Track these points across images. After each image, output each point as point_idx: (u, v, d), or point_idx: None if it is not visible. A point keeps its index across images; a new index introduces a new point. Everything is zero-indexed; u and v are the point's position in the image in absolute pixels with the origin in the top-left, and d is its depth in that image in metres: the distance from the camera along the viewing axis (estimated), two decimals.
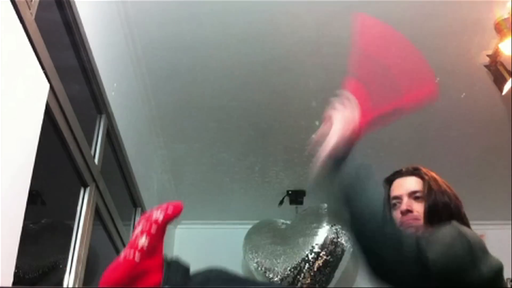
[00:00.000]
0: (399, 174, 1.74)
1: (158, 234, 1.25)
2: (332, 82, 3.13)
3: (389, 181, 1.72)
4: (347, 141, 1.39)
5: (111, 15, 2.50)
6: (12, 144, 1.43)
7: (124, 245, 2.83)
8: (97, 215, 2.37)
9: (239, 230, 4.20)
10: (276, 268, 3.86)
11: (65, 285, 2.01)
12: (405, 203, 1.63)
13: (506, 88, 2.72)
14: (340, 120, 1.46)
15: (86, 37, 2.10)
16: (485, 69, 2.79)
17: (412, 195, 1.67)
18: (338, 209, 1.32)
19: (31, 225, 1.98)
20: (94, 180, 2.28)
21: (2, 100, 1.36)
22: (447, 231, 1.40)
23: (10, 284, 1.41)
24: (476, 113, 3.28)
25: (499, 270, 1.35)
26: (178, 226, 4.54)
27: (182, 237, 4.51)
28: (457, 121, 3.36)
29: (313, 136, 1.42)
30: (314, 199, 4.07)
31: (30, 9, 1.57)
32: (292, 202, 4.17)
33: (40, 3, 1.65)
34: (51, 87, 1.72)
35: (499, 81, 2.74)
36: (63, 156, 2.03)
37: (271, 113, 3.35)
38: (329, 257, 3.77)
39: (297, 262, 3.82)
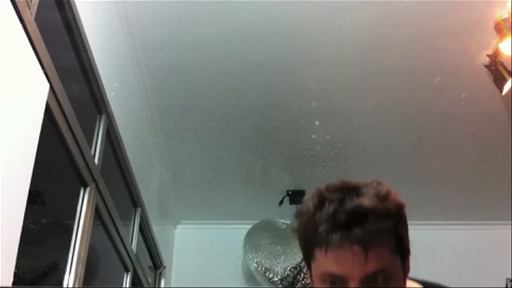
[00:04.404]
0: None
1: None
2: (332, 82, 3.16)
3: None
4: None
5: (111, 15, 2.50)
6: (12, 144, 1.42)
7: (124, 245, 2.83)
8: (97, 215, 2.37)
9: (239, 230, 4.20)
10: (276, 268, 3.86)
11: (65, 285, 2.01)
12: None
13: (506, 88, 2.72)
14: None
15: (86, 37, 2.10)
16: (485, 69, 2.79)
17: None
18: None
19: (31, 225, 1.98)
20: (94, 180, 2.28)
21: (2, 100, 1.36)
22: None
23: (10, 284, 1.41)
24: (476, 113, 3.27)
25: None
26: (178, 226, 4.54)
27: (182, 237, 4.50)
28: (457, 121, 3.36)
29: None
30: None
31: (30, 9, 1.56)
32: (292, 202, 4.17)
33: (40, 3, 1.65)
34: (51, 87, 1.71)
35: (499, 81, 2.74)
36: (63, 156, 2.03)
37: (271, 113, 3.35)
38: None
39: (297, 262, 3.82)
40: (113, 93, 2.49)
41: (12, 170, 1.42)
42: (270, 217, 4.24)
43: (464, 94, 3.12)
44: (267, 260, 3.90)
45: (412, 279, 1.16)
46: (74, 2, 1.96)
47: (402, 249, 1.04)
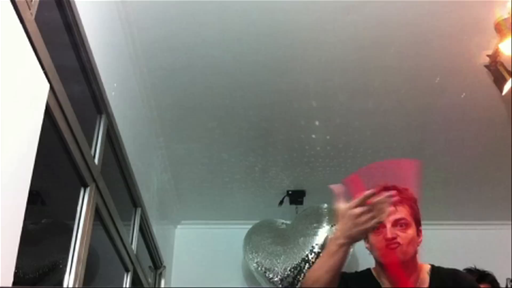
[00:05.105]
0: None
1: None
2: (332, 82, 3.16)
3: None
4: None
5: (111, 15, 2.50)
6: (12, 144, 1.42)
7: (124, 245, 2.83)
8: (97, 215, 2.37)
9: (239, 230, 4.20)
10: (276, 268, 3.86)
11: (65, 285, 2.01)
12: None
13: (506, 88, 2.72)
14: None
15: (86, 37, 2.10)
16: (485, 69, 2.79)
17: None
18: None
19: (31, 225, 1.98)
20: (94, 180, 2.28)
21: (2, 100, 1.36)
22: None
23: (10, 284, 1.41)
24: (476, 113, 3.28)
25: None
26: (178, 226, 4.54)
27: (182, 237, 4.51)
28: (457, 121, 3.36)
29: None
30: (314, 199, 4.07)
31: (30, 9, 1.56)
32: (292, 202, 4.17)
33: (40, 3, 1.65)
34: (51, 87, 1.71)
35: (499, 81, 2.73)
36: (63, 156, 2.03)
37: (271, 113, 3.35)
38: None
39: (297, 262, 3.82)
40: (113, 93, 2.49)
41: (12, 170, 1.42)
42: (270, 217, 4.25)
43: (464, 94, 3.12)
44: (267, 260, 3.90)
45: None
46: (74, 2, 1.96)
47: (416, 218, 1.78)
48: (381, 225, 1.68)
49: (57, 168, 2.16)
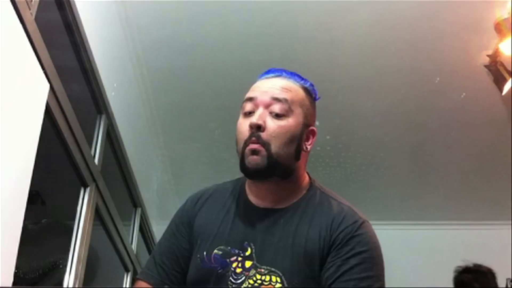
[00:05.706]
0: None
1: None
2: (332, 82, 3.15)
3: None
4: None
5: (111, 15, 2.50)
6: (12, 144, 1.42)
7: (124, 245, 2.83)
8: (97, 215, 2.37)
9: None
10: None
11: (65, 285, 2.01)
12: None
13: (506, 88, 2.72)
14: None
15: (86, 37, 2.10)
16: (485, 69, 2.79)
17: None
18: None
19: (31, 225, 1.98)
20: (94, 180, 2.28)
21: (2, 100, 1.36)
22: None
23: (10, 284, 1.41)
24: (476, 113, 3.27)
25: None
26: None
27: None
28: (457, 121, 3.36)
29: None
30: None
31: (30, 9, 1.57)
32: None
33: (40, 3, 1.65)
34: (51, 87, 1.71)
35: (499, 81, 2.74)
36: (63, 156, 2.03)
37: None
38: None
39: None
40: (113, 93, 2.49)
41: (12, 170, 1.42)
42: None
43: (464, 94, 3.12)
44: None
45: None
46: (74, 2, 1.96)
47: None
48: None
49: (57, 168, 2.15)
